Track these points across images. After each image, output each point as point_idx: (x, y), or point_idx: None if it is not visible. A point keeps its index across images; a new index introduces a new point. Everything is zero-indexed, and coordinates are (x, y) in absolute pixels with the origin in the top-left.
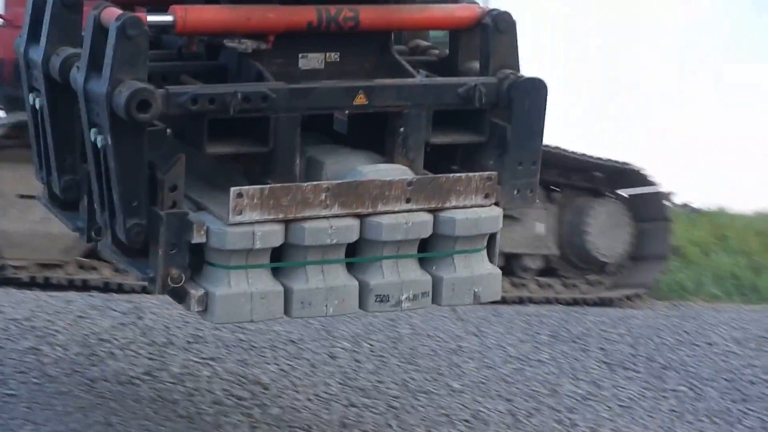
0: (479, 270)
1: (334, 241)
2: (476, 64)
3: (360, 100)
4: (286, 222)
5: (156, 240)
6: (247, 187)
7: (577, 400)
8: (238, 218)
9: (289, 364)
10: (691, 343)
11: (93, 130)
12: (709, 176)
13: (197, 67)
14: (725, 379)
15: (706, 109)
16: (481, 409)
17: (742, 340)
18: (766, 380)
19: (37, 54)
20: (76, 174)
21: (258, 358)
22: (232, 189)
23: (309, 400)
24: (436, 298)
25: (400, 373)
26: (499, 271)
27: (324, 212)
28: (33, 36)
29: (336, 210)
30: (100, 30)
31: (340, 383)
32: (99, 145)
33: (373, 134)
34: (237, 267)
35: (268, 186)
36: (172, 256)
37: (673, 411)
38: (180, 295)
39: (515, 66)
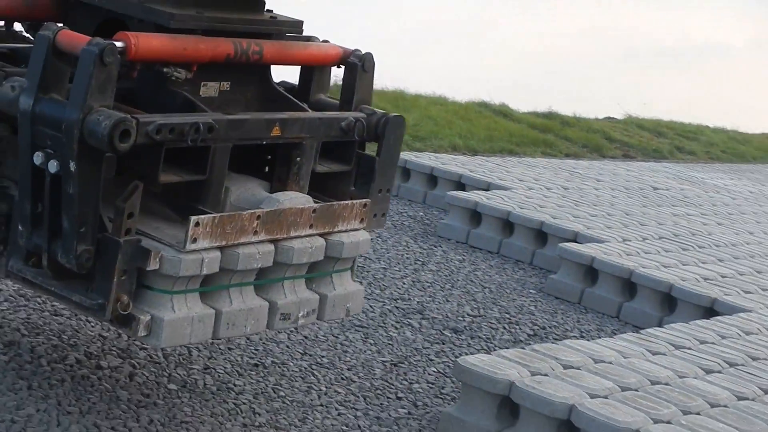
0: (349, 287)
1: (259, 266)
2: (323, 97)
3: (276, 131)
4: (222, 248)
5: (108, 266)
6: (203, 216)
7: None
8: (193, 246)
9: None
10: None
11: (39, 154)
12: None
13: None
14: None
15: None
16: None
17: None
18: None
19: None
20: None
21: None
22: (192, 218)
23: None
24: (320, 314)
25: None
26: (362, 287)
27: (253, 239)
28: None
29: (262, 236)
30: (57, 53)
31: None
32: (52, 170)
33: (252, 161)
34: (178, 292)
35: (219, 215)
36: (123, 282)
37: None
38: (125, 321)
39: (370, 102)
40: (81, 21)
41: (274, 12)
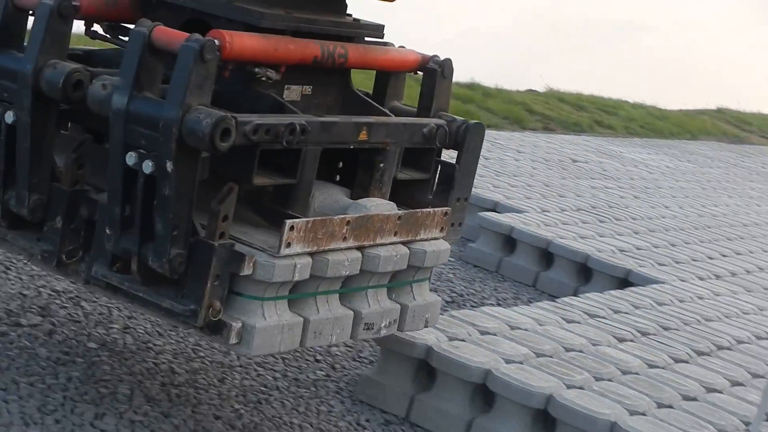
0: (428, 298)
1: (347, 273)
2: (398, 104)
3: (363, 135)
4: (312, 255)
5: (201, 271)
6: (297, 220)
7: None
8: (286, 251)
9: None
10: None
11: (132, 155)
12: None
13: None
14: None
15: None
16: None
17: None
18: None
19: (17, 64)
20: (44, 194)
21: None
22: (287, 221)
23: None
24: (400, 325)
25: None
26: (440, 299)
27: (342, 245)
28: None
29: (350, 243)
30: (152, 50)
31: None
32: (146, 171)
33: (327, 168)
34: (269, 298)
35: (312, 219)
36: (215, 287)
37: None
38: (216, 329)
39: (447, 109)
40: (163, 21)
41: (353, 15)
